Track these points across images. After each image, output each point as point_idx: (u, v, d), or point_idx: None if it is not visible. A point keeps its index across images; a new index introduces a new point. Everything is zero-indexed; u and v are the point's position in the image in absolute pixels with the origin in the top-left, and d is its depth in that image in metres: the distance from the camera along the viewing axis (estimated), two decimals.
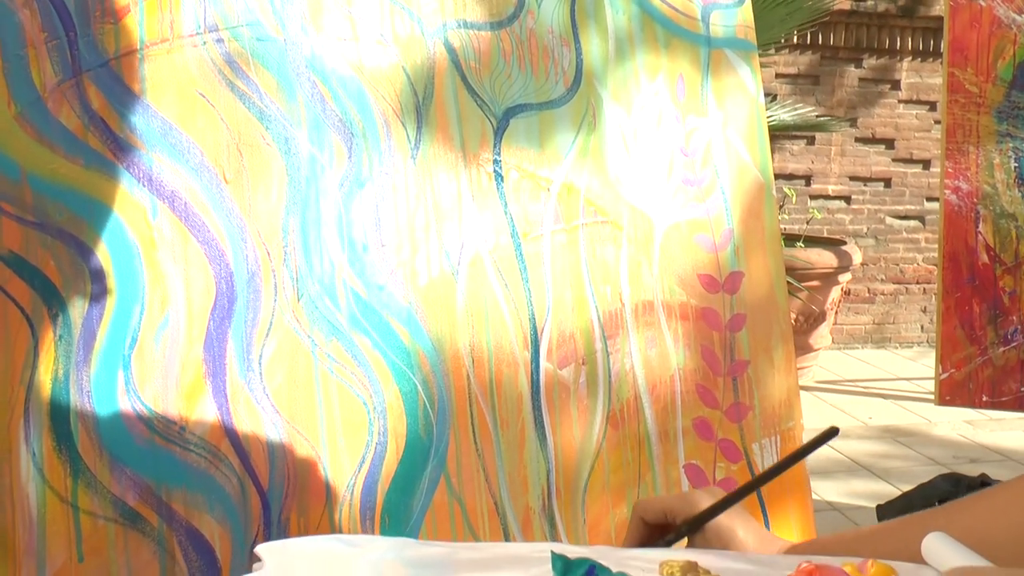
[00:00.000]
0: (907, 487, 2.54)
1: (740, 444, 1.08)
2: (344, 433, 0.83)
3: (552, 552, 0.52)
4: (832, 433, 0.75)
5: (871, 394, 4.15)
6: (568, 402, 0.96)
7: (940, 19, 2.54)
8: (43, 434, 0.69)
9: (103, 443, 0.71)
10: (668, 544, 0.76)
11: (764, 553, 0.71)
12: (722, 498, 0.83)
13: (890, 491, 2.89)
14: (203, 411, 0.76)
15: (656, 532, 0.79)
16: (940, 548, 0.67)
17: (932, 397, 2.13)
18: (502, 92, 0.96)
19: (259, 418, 0.79)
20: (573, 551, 0.53)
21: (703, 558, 0.57)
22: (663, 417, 1.02)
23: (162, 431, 0.74)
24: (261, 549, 0.55)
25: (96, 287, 0.72)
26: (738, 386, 1.09)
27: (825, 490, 2.97)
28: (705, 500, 0.77)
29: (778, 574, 0.58)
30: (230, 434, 0.77)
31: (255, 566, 0.53)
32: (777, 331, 1.13)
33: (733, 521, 0.75)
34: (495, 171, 0.94)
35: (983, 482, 2.33)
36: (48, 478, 0.69)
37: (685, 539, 0.78)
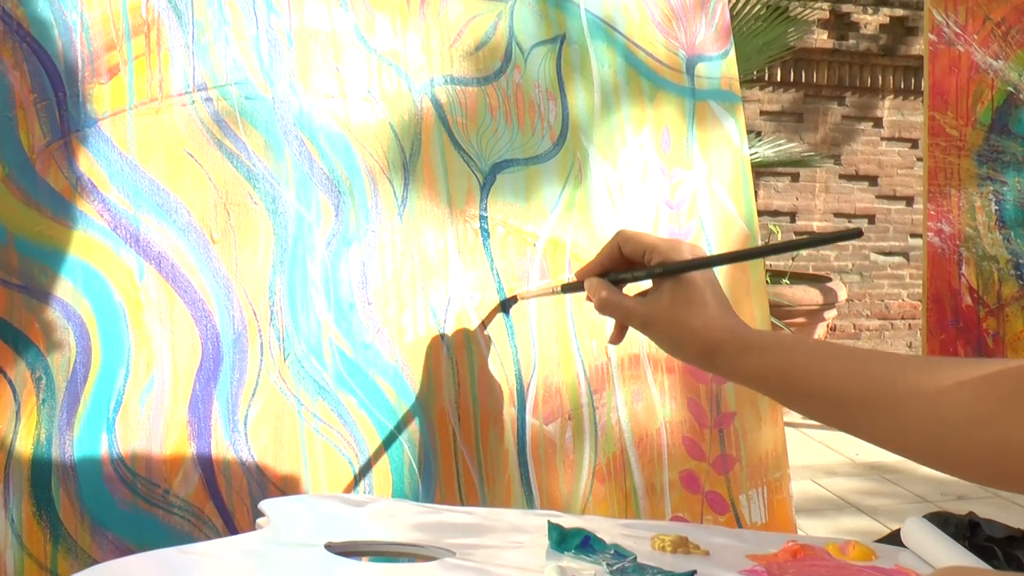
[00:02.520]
0: (895, 525, 2.54)
1: (727, 496, 1.08)
2: (330, 492, 0.82)
3: (549, 522, 0.55)
4: (856, 233, 0.74)
5: None
6: (555, 457, 0.96)
7: (920, 58, 2.58)
8: (23, 500, 0.68)
9: (85, 508, 0.71)
10: (634, 279, 0.83)
11: (714, 333, 0.75)
12: (707, 256, 0.88)
13: (878, 529, 2.89)
14: (187, 473, 0.75)
15: (625, 265, 0.84)
16: (920, 533, 0.67)
17: None
18: (488, 147, 0.97)
19: (244, 479, 0.78)
20: (569, 521, 0.55)
21: (694, 533, 0.60)
22: (650, 470, 1.02)
23: (145, 494, 0.73)
24: (265, 505, 0.58)
25: (81, 350, 0.72)
26: (725, 438, 1.09)
27: (812, 528, 2.97)
28: (689, 253, 0.80)
29: (764, 551, 0.59)
30: (214, 496, 0.77)
31: (259, 521, 0.55)
32: None
33: (705, 284, 0.78)
34: (481, 227, 0.95)
35: (971, 521, 2.33)
36: (27, 545, 0.68)
37: (647, 283, 0.83)
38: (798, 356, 0.69)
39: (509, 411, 0.94)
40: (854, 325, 5.06)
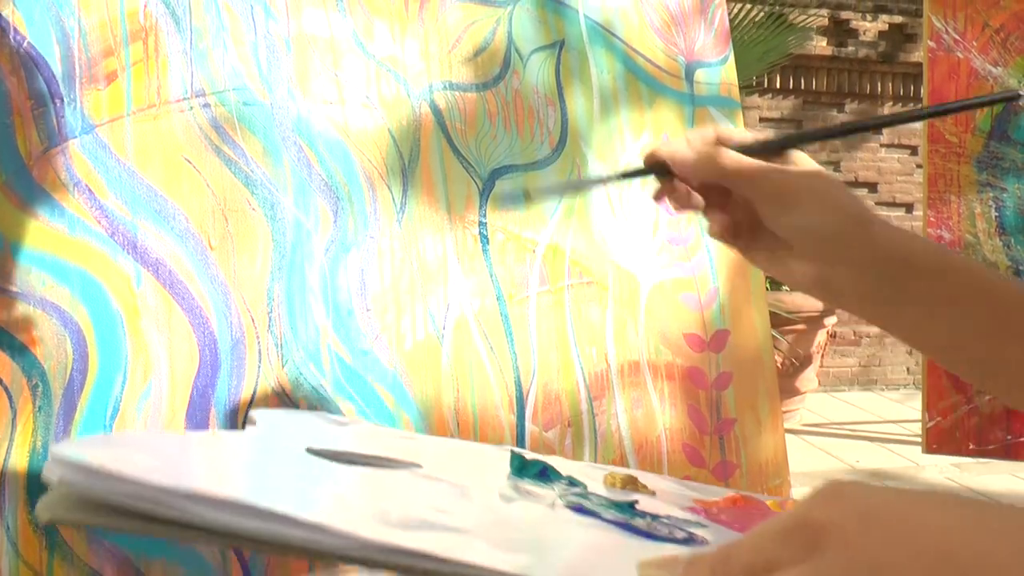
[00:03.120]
0: None
1: None
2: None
3: (512, 450, 0.58)
4: (1015, 96, 0.63)
5: (858, 437, 4.15)
6: None
7: (919, 64, 2.60)
8: (18, 508, 0.68)
9: None
10: (763, 149, 0.61)
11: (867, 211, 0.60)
12: (851, 123, 0.80)
13: None
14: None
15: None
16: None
17: (919, 439, 2.13)
18: (488, 153, 0.97)
19: None
20: (530, 455, 0.58)
21: (645, 477, 0.62)
22: None
23: None
24: (256, 412, 0.61)
25: (78, 357, 0.71)
26: (725, 444, 1.08)
27: None
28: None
29: (708, 498, 0.62)
30: None
31: (248, 428, 0.59)
32: (763, 388, 1.13)
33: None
34: (480, 233, 0.95)
35: None
36: (23, 553, 0.68)
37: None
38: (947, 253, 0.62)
39: (508, 418, 0.93)
40: (854, 332, 5.05)
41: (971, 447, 2.06)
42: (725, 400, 1.09)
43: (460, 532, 0.43)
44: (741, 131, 0.64)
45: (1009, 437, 2.03)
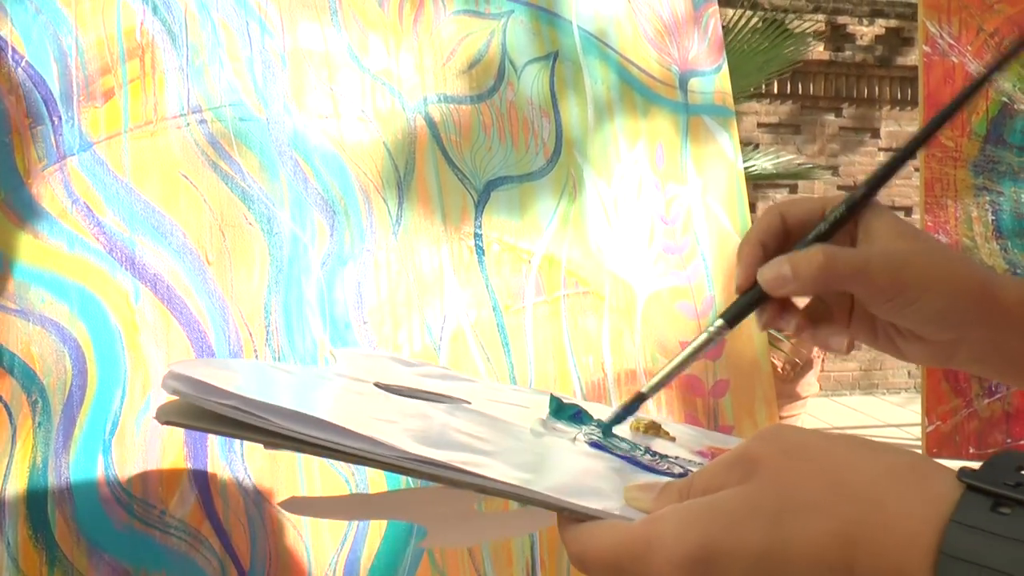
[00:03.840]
0: None
1: None
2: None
3: (551, 394, 0.64)
4: None
5: None
6: None
7: (916, 68, 2.61)
8: (19, 523, 0.68)
9: (81, 530, 0.71)
10: (836, 225, 0.55)
11: (963, 264, 0.54)
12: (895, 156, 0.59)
13: None
14: (184, 494, 0.75)
15: (787, 240, 0.57)
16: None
17: (921, 443, 2.13)
18: (483, 165, 0.98)
19: (240, 498, 0.78)
20: (567, 399, 0.64)
21: (674, 426, 0.67)
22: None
23: (142, 515, 0.73)
24: (338, 351, 0.72)
25: (77, 373, 0.72)
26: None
27: None
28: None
29: (723, 446, 0.66)
30: (211, 516, 0.77)
31: (330, 363, 0.71)
32: (760, 395, 1.13)
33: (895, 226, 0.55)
34: (476, 244, 0.95)
35: None
36: (23, 568, 0.68)
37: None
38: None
39: None
40: None
41: (971, 451, 2.06)
42: (723, 407, 1.09)
43: (483, 453, 0.51)
44: (800, 207, 0.58)
45: (1009, 440, 2.03)
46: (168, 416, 0.51)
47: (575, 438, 0.59)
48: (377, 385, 0.65)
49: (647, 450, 0.58)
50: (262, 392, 0.52)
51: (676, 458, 0.58)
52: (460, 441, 0.52)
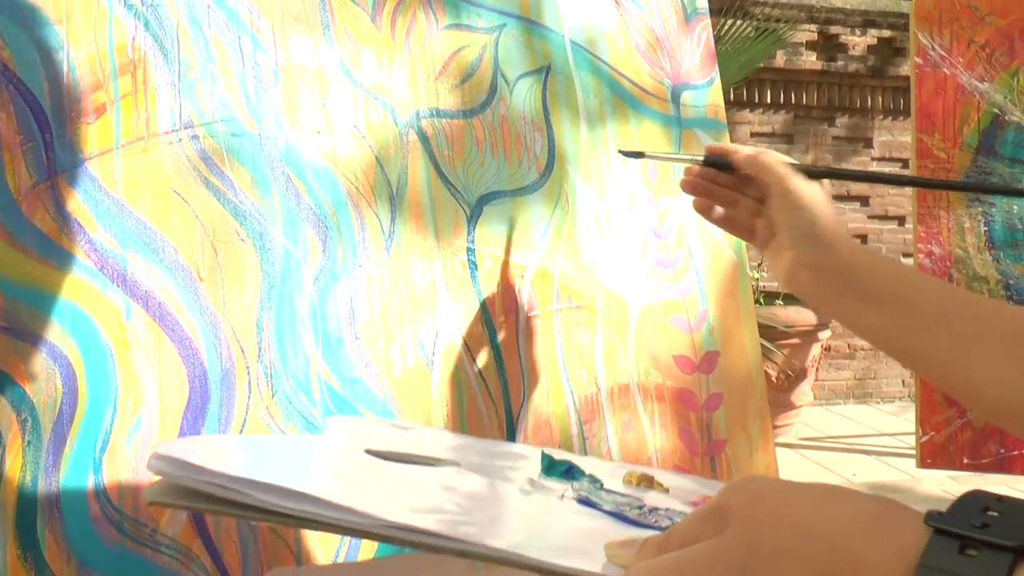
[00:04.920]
0: None
1: None
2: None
3: (542, 451, 0.66)
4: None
5: (854, 450, 4.15)
6: None
7: (908, 79, 2.62)
8: (7, 543, 0.68)
9: (71, 548, 0.70)
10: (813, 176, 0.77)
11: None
12: (900, 176, 1.09)
13: None
14: (175, 511, 0.75)
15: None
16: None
17: (915, 453, 2.13)
18: (475, 179, 0.98)
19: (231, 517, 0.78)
20: (560, 455, 0.65)
21: (667, 476, 0.69)
22: None
23: (132, 534, 0.73)
24: (331, 419, 0.74)
25: (67, 391, 0.72)
26: (716, 465, 1.08)
27: None
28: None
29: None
30: (202, 534, 0.76)
31: (324, 432, 0.73)
32: (754, 408, 1.13)
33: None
34: (469, 259, 0.95)
35: None
36: None
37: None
38: (897, 266, 0.73)
39: None
40: (848, 345, 5.06)
41: (965, 461, 2.06)
42: (716, 421, 1.09)
43: (467, 517, 0.52)
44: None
45: (1003, 450, 2.03)
46: (155, 497, 0.52)
47: (562, 495, 0.59)
48: (368, 452, 0.65)
49: (636, 504, 0.58)
50: (248, 468, 0.54)
51: (667, 510, 0.58)
52: (444, 507, 0.53)
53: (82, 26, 0.78)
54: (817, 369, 4.55)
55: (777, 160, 0.77)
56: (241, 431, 0.79)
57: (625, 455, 1.02)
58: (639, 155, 0.84)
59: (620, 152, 0.89)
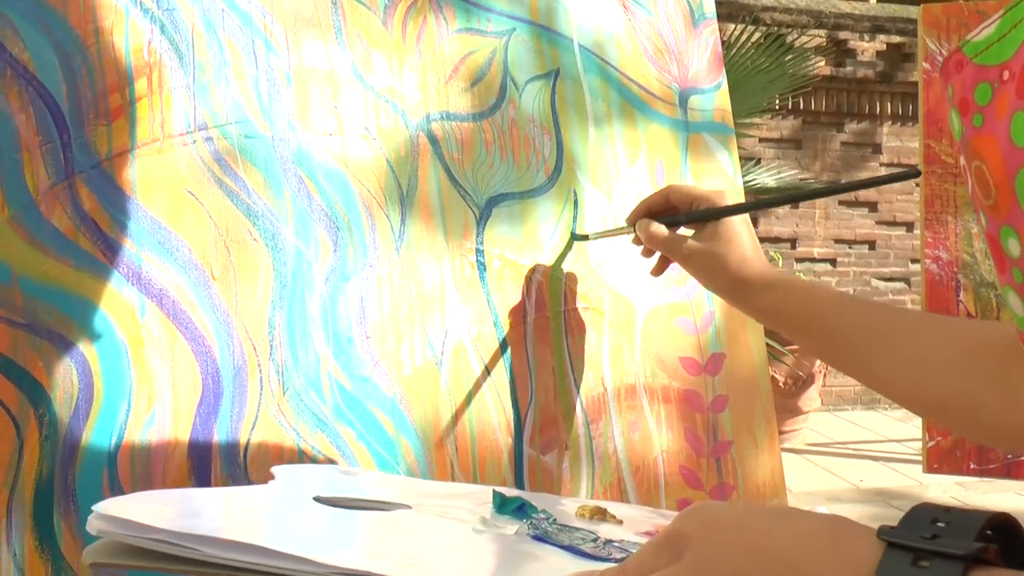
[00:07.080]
0: None
1: None
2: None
3: (493, 490, 0.67)
4: (914, 174, 0.88)
5: (862, 456, 4.14)
6: (552, 487, 0.97)
7: (917, 84, 2.62)
8: (25, 535, 0.69)
9: (86, 541, 0.72)
10: (676, 224, 0.93)
11: (746, 269, 0.86)
12: (750, 201, 1.01)
13: None
14: None
15: (669, 212, 0.94)
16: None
17: (922, 458, 2.13)
18: (484, 182, 0.99)
19: None
20: (510, 492, 0.67)
21: (620, 508, 0.71)
22: (647, 500, 1.03)
23: None
24: (275, 469, 0.72)
25: (83, 387, 0.73)
26: (722, 467, 1.09)
27: None
28: (730, 201, 0.91)
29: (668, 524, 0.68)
30: None
31: (269, 482, 0.70)
32: (760, 410, 1.14)
33: (744, 228, 0.88)
34: (478, 260, 0.96)
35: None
36: None
37: (690, 230, 0.92)
38: (814, 299, 0.81)
39: (506, 441, 0.94)
40: None
41: (971, 466, 2.06)
42: (722, 422, 1.10)
43: (418, 560, 0.51)
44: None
45: (1009, 456, 2.03)
46: (95, 557, 0.51)
47: (516, 532, 0.60)
48: (316, 499, 0.65)
49: (591, 537, 0.59)
50: (190, 523, 0.53)
51: (621, 542, 0.59)
52: (399, 550, 0.53)
53: (100, 29, 0.80)
54: (825, 375, 4.54)
55: (659, 232, 0.92)
56: (253, 428, 0.80)
57: (632, 455, 1.03)
58: (584, 238, 1.02)
59: (573, 236, 1.04)
